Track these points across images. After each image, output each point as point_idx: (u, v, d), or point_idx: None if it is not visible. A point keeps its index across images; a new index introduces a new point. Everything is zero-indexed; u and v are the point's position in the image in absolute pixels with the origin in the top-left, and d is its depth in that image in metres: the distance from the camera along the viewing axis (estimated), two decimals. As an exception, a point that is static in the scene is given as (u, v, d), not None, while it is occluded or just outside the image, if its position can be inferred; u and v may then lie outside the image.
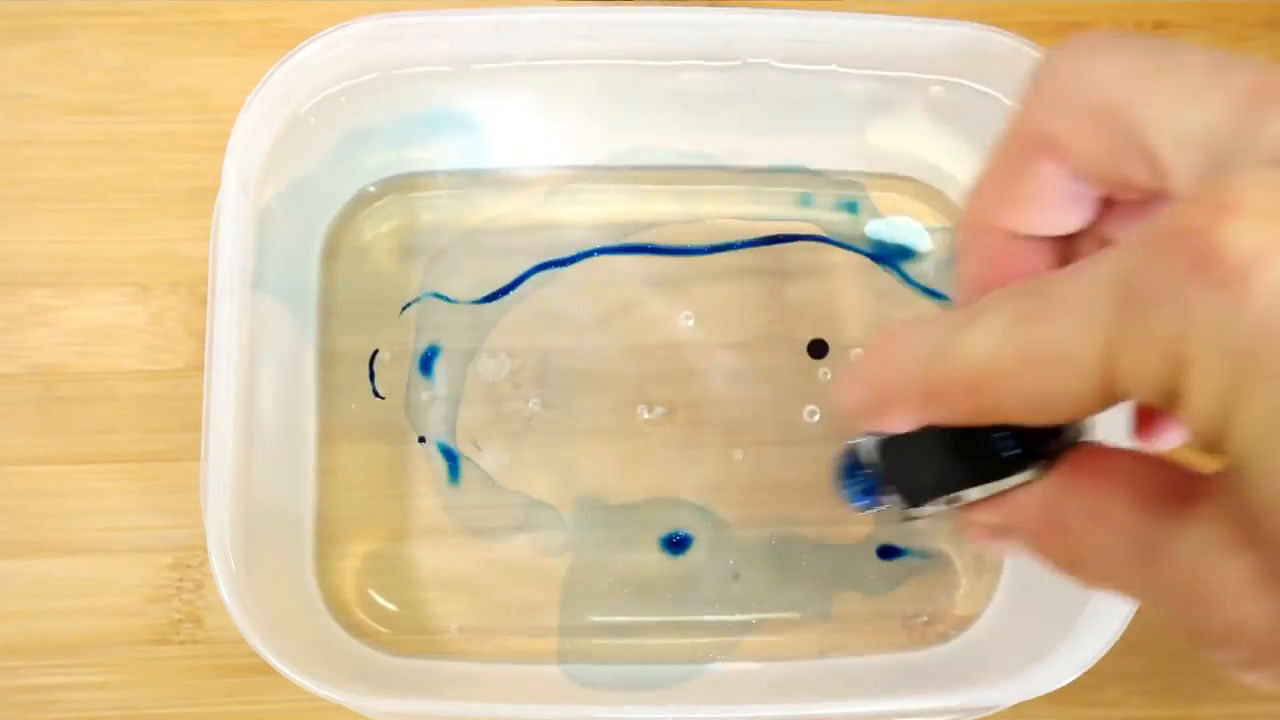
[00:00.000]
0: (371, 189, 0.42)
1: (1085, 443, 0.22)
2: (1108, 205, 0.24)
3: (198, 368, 0.37)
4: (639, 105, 0.41)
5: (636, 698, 0.39)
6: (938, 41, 0.38)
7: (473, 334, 0.42)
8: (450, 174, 0.43)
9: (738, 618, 0.40)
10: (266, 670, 0.34)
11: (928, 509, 0.24)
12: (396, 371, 0.41)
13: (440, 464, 0.41)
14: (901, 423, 0.23)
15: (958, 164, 0.42)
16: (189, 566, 0.40)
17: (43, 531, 0.40)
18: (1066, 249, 0.25)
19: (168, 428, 0.41)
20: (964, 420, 0.21)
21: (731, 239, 0.42)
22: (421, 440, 0.41)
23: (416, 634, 0.40)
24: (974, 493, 0.23)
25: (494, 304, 0.42)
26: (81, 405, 0.41)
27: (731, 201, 0.43)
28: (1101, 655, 0.34)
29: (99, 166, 0.43)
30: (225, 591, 0.34)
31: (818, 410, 0.41)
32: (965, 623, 0.40)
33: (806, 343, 0.42)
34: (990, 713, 0.35)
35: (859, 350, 0.42)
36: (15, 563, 0.40)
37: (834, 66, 0.39)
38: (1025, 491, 0.22)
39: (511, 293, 0.42)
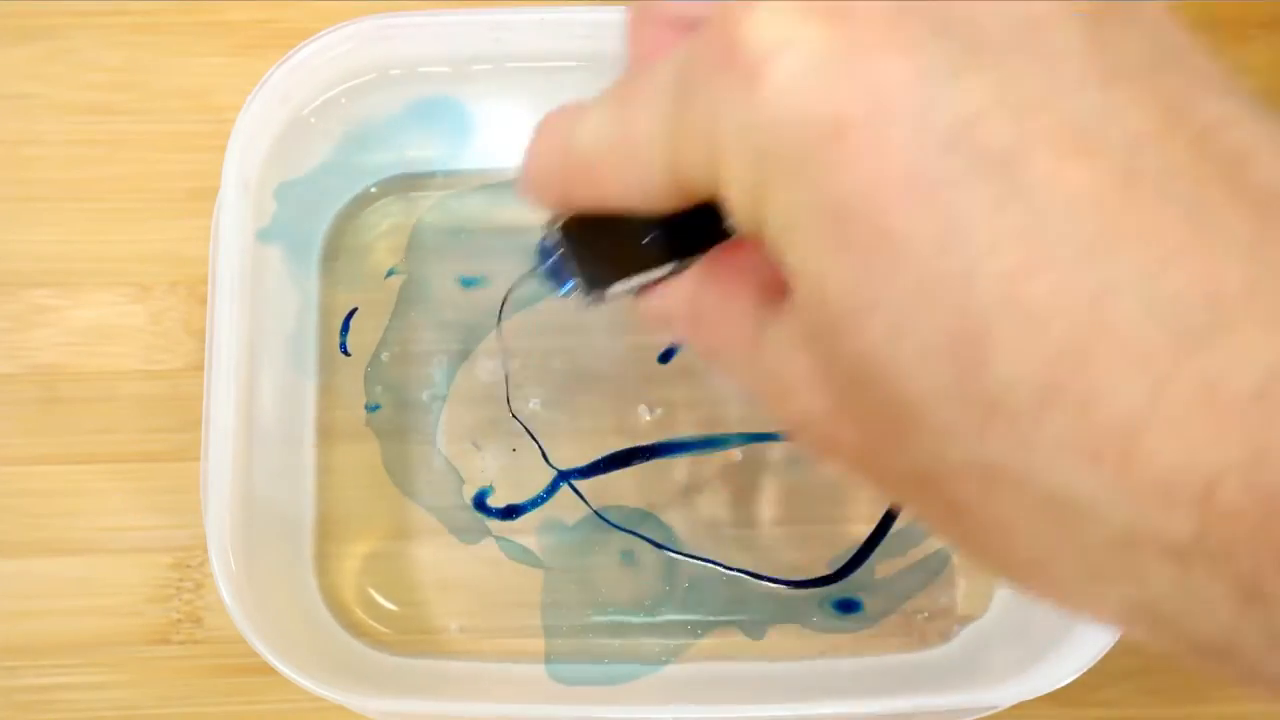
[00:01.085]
0: (371, 189, 0.42)
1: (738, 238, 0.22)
2: None
3: (198, 368, 0.37)
4: (639, 105, 0.41)
5: (638, 697, 0.39)
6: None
7: (472, 334, 0.42)
8: (450, 174, 0.43)
9: (742, 616, 0.40)
10: (266, 670, 0.34)
11: (606, 292, 0.24)
12: (399, 369, 0.41)
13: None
14: (557, 207, 0.22)
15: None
16: (189, 566, 0.40)
17: (43, 531, 0.40)
18: None
19: (168, 428, 0.41)
20: (592, 207, 0.21)
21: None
22: (372, 409, 0.41)
23: (416, 634, 0.40)
24: (636, 280, 0.23)
25: (493, 304, 0.42)
26: (81, 405, 0.41)
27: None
28: (1101, 655, 0.34)
29: (99, 166, 0.43)
30: (225, 591, 0.34)
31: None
32: (965, 622, 0.40)
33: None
34: (990, 713, 0.35)
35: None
36: (15, 563, 0.40)
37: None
38: (678, 281, 0.22)
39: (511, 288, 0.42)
